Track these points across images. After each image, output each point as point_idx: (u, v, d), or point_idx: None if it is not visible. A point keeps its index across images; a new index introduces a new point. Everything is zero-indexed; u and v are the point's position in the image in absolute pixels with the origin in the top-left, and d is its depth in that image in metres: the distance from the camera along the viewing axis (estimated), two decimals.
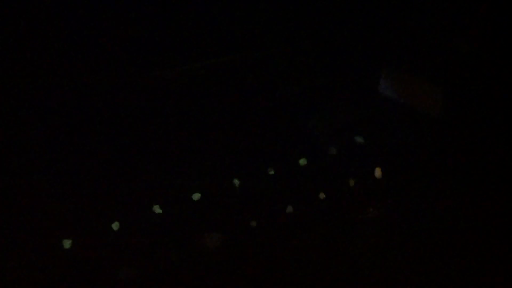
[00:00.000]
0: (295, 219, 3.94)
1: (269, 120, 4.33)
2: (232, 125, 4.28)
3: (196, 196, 3.96)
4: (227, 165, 4.10)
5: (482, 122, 4.28)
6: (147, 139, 4.12)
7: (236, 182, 4.04)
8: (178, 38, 4.38)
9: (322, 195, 4.01)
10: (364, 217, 3.93)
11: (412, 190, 4.01)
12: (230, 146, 4.18)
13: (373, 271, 3.68)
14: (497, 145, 4.19)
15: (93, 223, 3.75)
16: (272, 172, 4.11)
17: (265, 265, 3.74)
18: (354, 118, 4.35)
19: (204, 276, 3.67)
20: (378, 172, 4.05)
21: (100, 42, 4.20)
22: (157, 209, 3.88)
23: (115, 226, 3.76)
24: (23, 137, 4.02)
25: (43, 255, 3.59)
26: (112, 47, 4.23)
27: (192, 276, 3.66)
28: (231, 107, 4.32)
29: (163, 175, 4.01)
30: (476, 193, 3.99)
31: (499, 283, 3.59)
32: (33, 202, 3.75)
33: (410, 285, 3.63)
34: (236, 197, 4.01)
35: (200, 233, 3.84)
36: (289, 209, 3.96)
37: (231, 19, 4.40)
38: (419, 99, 4.39)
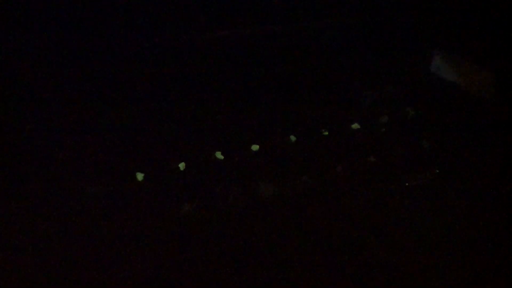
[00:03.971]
0: (344, 178, 4.21)
1: (326, 85, 4.61)
2: (293, 88, 4.55)
3: (255, 148, 4.24)
4: (286, 122, 4.38)
5: None
6: (216, 93, 4.41)
7: (293, 138, 4.31)
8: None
9: (372, 159, 4.27)
10: (411, 184, 4.18)
11: (457, 163, 4.26)
12: (290, 107, 4.46)
13: (420, 235, 3.89)
14: None
15: (163, 162, 4.05)
16: (326, 133, 4.38)
17: (311, 219, 3.98)
18: (407, 93, 4.61)
19: (256, 222, 3.93)
20: None
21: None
22: (218, 155, 4.17)
23: (182, 166, 4.06)
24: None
25: (119, 185, 3.95)
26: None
27: (247, 221, 3.93)
28: (293, 73, 4.60)
29: (227, 126, 4.30)
30: None
31: None
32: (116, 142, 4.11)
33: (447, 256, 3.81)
34: (291, 152, 4.29)
35: (256, 181, 4.12)
36: (339, 168, 4.23)
37: None
38: (471, 81, 4.63)
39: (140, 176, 3.99)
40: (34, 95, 4.19)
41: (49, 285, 3.48)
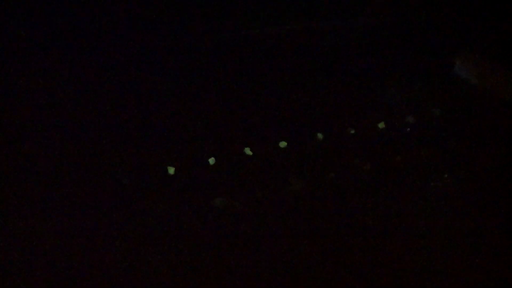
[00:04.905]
0: (371, 176, 4.27)
1: (353, 84, 4.67)
2: (321, 86, 4.61)
3: (283, 144, 4.31)
4: (314, 120, 4.45)
5: None
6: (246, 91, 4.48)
7: (320, 136, 4.38)
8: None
9: (398, 158, 4.33)
10: (436, 184, 4.23)
11: (483, 164, 4.31)
12: (318, 105, 4.52)
13: (444, 236, 3.93)
14: None
15: (194, 156, 4.12)
16: (352, 131, 4.44)
17: (338, 216, 4.04)
18: (433, 93, 4.67)
19: (284, 217, 4.00)
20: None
21: None
22: (247, 151, 4.23)
23: (212, 161, 4.12)
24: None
25: (150, 178, 4.02)
26: None
27: (275, 216, 4.00)
28: (321, 71, 4.66)
29: (257, 123, 4.37)
30: None
31: None
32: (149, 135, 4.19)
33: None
34: (319, 149, 4.35)
35: (284, 178, 4.18)
36: (367, 166, 4.29)
37: None
38: (495, 82, 4.68)
39: (171, 170, 4.05)
40: (67, 89, 4.26)
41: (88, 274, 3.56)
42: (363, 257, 3.78)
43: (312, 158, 4.29)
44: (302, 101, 4.56)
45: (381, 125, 4.48)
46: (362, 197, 4.15)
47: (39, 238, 3.71)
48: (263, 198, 4.06)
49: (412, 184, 4.22)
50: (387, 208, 4.08)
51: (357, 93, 4.67)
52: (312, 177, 4.19)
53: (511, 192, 4.13)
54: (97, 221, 3.83)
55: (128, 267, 3.65)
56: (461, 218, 4.03)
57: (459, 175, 4.24)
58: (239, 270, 3.67)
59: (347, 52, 4.82)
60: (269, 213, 3.99)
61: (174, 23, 4.57)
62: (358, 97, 4.66)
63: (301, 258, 3.76)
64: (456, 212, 4.07)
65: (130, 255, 3.71)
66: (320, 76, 4.68)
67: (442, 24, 4.87)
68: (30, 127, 4.21)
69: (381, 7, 4.88)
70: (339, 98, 4.63)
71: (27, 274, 3.58)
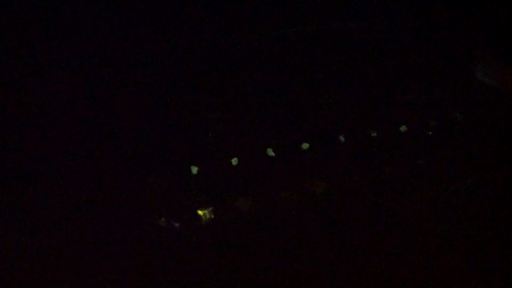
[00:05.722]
0: (393, 179, 4.28)
1: (376, 87, 4.68)
2: (343, 89, 4.62)
3: (305, 146, 4.32)
4: (335, 122, 4.46)
5: None
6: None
7: (342, 138, 4.39)
8: None
9: (420, 162, 4.34)
10: (459, 188, 4.24)
11: (505, 169, 4.32)
12: (339, 107, 4.53)
13: (467, 239, 3.96)
14: None
15: (216, 157, 4.14)
16: (374, 134, 4.45)
17: (359, 219, 4.06)
18: (456, 96, 4.67)
19: (307, 219, 4.02)
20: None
21: None
22: (270, 152, 4.25)
23: (234, 161, 4.14)
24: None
25: (174, 178, 4.04)
26: None
27: (299, 217, 4.02)
28: (344, 73, 4.67)
29: (278, 124, 4.38)
30: None
31: None
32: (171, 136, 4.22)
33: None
34: (340, 152, 4.36)
35: (307, 179, 4.20)
36: (388, 169, 4.30)
37: None
38: None
39: (194, 170, 4.07)
40: (92, 87, 4.29)
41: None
42: (384, 260, 3.79)
43: (334, 160, 4.30)
44: (325, 103, 4.57)
45: (403, 128, 4.49)
46: (384, 201, 4.16)
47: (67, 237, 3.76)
48: (286, 199, 4.08)
49: (434, 189, 4.23)
50: (409, 213, 4.09)
51: (379, 96, 4.68)
52: (334, 179, 4.20)
53: None
54: (118, 221, 3.86)
55: (148, 265, 3.68)
56: (483, 223, 4.04)
57: (481, 180, 4.25)
58: (260, 271, 3.69)
59: (369, 54, 4.81)
60: (291, 215, 4.01)
61: (199, 22, 4.59)
62: (380, 100, 4.66)
63: (323, 260, 3.78)
64: (479, 217, 4.07)
65: (150, 254, 3.74)
66: (343, 78, 4.69)
67: (465, 27, 4.87)
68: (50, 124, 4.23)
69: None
70: (361, 100, 4.63)
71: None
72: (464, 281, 3.74)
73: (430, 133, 4.50)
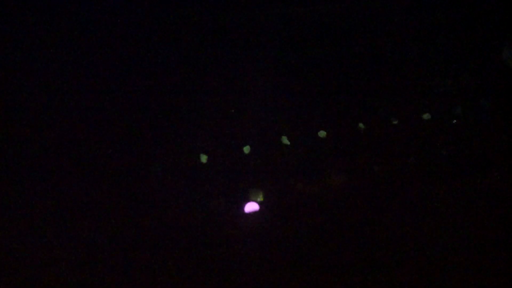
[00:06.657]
0: (415, 169, 4.05)
1: (399, 73, 4.44)
2: (364, 76, 4.39)
3: (322, 134, 4.09)
4: (355, 111, 4.22)
5: None
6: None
7: (361, 126, 4.15)
8: None
9: (444, 151, 4.10)
10: (484, 180, 4.01)
11: None
12: (360, 95, 4.30)
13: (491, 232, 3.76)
14: None
15: (228, 145, 3.92)
16: (395, 122, 4.21)
17: (380, 209, 3.86)
18: (480, 83, 4.43)
19: (325, 210, 3.81)
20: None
21: None
22: (285, 140, 4.02)
23: (246, 149, 3.92)
24: None
25: (185, 166, 3.87)
26: None
27: (315, 208, 3.81)
28: (365, 61, 4.44)
29: (294, 111, 4.16)
30: None
31: None
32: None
33: None
34: (360, 141, 4.13)
35: (324, 170, 3.98)
36: (411, 159, 4.07)
37: None
38: None
39: (203, 158, 3.86)
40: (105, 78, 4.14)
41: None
42: (408, 251, 3.61)
43: (352, 150, 4.07)
44: (344, 89, 4.33)
45: (426, 116, 4.24)
46: (406, 192, 3.94)
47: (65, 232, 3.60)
48: (302, 190, 3.86)
49: (459, 180, 4.00)
50: (432, 203, 3.88)
51: (401, 82, 4.43)
52: (353, 170, 3.97)
53: None
54: (129, 208, 3.74)
55: (165, 252, 3.58)
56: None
57: (509, 171, 4.02)
58: (275, 259, 3.53)
59: (392, 41, 4.58)
60: (307, 206, 3.80)
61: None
62: (402, 87, 4.41)
63: (341, 251, 3.58)
64: (507, 209, 3.85)
65: (162, 240, 3.64)
66: (364, 65, 4.45)
67: (490, 13, 4.63)
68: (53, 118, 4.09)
69: None
70: (383, 87, 4.39)
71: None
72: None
73: (455, 121, 4.26)
